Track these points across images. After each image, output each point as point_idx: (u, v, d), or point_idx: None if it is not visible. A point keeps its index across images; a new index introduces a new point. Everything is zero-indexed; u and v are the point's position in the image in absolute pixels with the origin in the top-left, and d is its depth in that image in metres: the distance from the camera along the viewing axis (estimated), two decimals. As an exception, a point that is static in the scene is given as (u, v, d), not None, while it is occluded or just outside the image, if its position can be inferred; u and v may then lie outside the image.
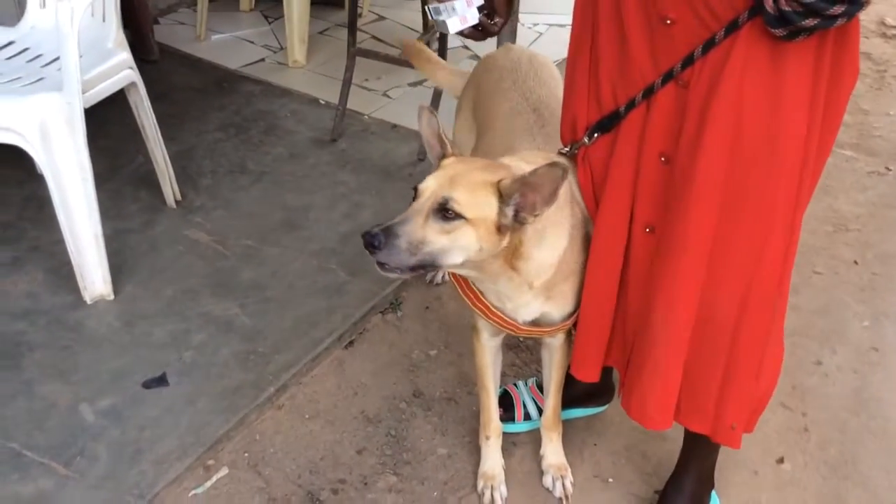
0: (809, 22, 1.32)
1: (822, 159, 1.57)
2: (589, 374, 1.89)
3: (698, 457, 1.97)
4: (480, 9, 1.77)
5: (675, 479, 2.02)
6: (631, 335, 1.78)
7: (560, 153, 1.80)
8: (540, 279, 1.75)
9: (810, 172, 1.55)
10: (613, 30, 1.59)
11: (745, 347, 1.67)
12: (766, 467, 2.21)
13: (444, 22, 1.75)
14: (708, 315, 1.65)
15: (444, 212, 1.57)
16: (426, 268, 1.63)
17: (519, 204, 1.60)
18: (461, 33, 1.79)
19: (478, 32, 1.80)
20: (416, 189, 1.63)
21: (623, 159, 1.66)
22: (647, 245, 1.68)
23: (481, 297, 1.84)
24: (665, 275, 1.64)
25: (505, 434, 2.17)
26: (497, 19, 1.79)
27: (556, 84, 2.18)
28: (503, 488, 2.09)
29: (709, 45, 1.46)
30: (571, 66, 1.73)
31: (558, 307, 1.83)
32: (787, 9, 1.31)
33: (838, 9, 1.30)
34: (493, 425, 2.10)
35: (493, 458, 2.12)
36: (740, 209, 1.55)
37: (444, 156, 1.71)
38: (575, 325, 1.89)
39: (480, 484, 2.10)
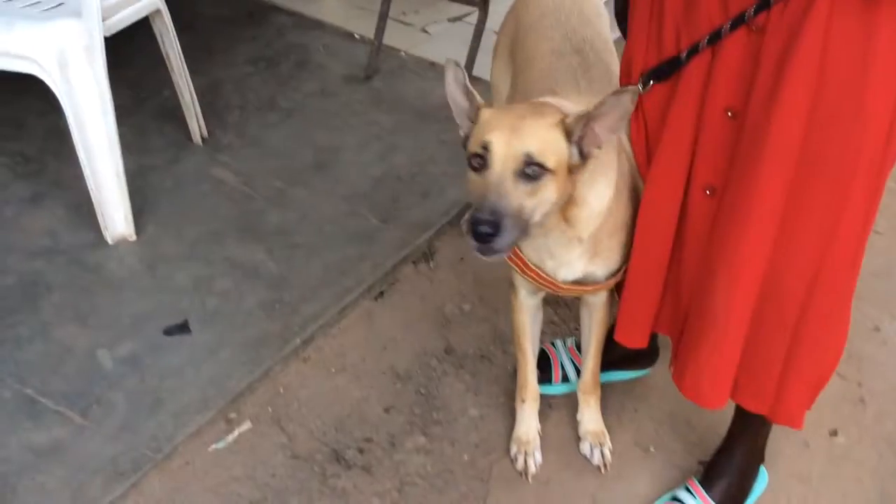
0: None
1: None
2: (636, 341, 1.78)
3: (750, 430, 1.84)
4: None
5: (724, 450, 1.90)
6: (685, 303, 1.65)
7: None
8: (589, 230, 1.62)
9: None
10: None
11: (813, 325, 1.53)
12: (818, 439, 2.08)
13: None
14: (774, 288, 1.51)
15: (529, 169, 1.45)
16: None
17: (581, 139, 1.49)
18: None
19: None
20: (477, 155, 1.48)
21: (683, 112, 1.50)
22: (707, 208, 1.54)
23: (519, 252, 1.71)
24: (728, 243, 1.49)
25: (540, 396, 2.06)
26: None
27: (603, 22, 2.01)
28: (538, 454, 1.99)
29: None
30: (633, 2, 1.56)
31: (604, 264, 1.70)
32: None
33: None
34: (530, 388, 1.99)
35: (528, 423, 2.00)
36: (817, 173, 1.40)
37: (477, 109, 1.55)
38: (619, 287, 1.76)
39: (514, 449, 2.00)
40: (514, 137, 1.46)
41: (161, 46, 2.62)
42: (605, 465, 1.98)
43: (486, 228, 1.41)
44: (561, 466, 1.99)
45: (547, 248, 1.66)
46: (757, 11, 1.35)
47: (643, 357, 2.12)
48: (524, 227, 1.47)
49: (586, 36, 1.91)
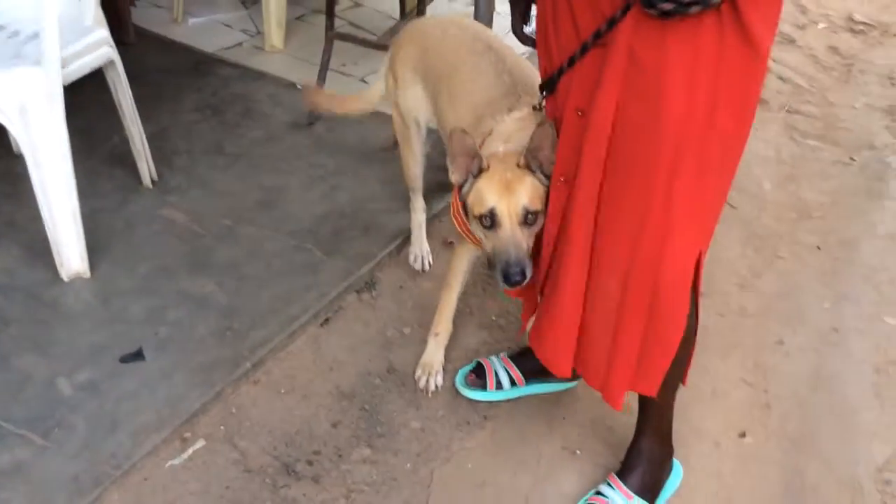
0: (666, 6, 1.44)
1: (727, 145, 1.61)
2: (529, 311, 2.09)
3: (651, 418, 2.05)
4: None
5: (634, 443, 2.09)
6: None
7: (533, 109, 1.95)
8: None
9: (714, 160, 1.60)
10: None
11: (630, 313, 1.76)
12: (728, 440, 2.28)
13: None
14: (598, 272, 1.77)
15: (528, 218, 1.89)
16: None
17: (539, 166, 1.89)
18: None
19: None
20: (487, 216, 1.90)
21: (557, 116, 1.79)
22: (563, 195, 1.80)
23: (469, 227, 2.04)
24: (564, 225, 1.78)
25: (475, 403, 2.28)
26: None
27: (492, 32, 2.46)
28: (439, 377, 2.34)
29: (612, 22, 1.56)
30: (537, 20, 1.81)
31: None
32: None
33: None
34: (444, 325, 2.36)
35: (434, 352, 2.36)
36: (621, 170, 1.66)
37: (481, 170, 1.91)
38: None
39: (419, 372, 2.35)
40: (511, 198, 1.87)
41: (114, 95, 2.76)
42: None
43: (518, 277, 1.87)
44: (496, 470, 2.15)
45: None
46: (595, 39, 1.61)
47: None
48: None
49: (489, 36, 2.33)
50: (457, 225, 2.09)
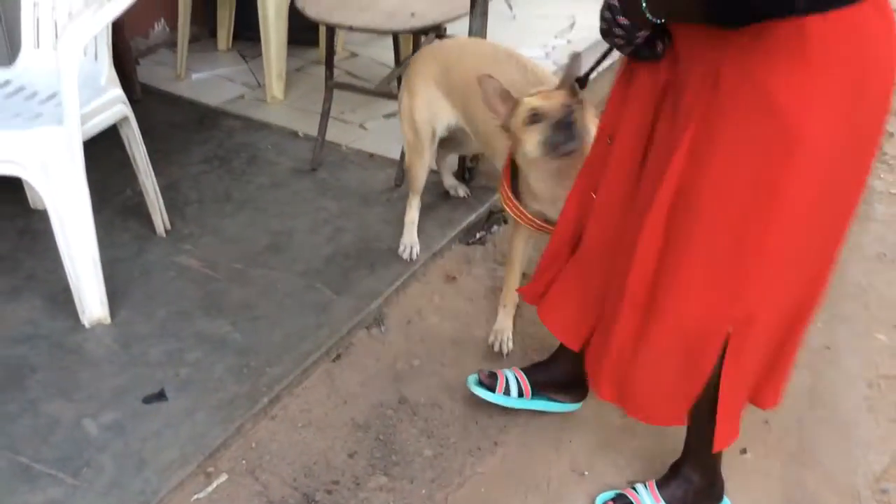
0: (617, 40, 1.63)
1: (742, 218, 1.65)
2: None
3: (688, 441, 2.11)
4: None
5: (677, 460, 2.16)
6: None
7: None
8: None
9: (718, 231, 1.68)
10: None
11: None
12: (730, 458, 2.33)
13: None
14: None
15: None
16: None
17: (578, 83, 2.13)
18: None
19: None
20: (532, 115, 2.16)
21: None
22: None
23: (525, 212, 2.40)
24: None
25: (486, 430, 2.37)
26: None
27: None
28: (510, 342, 2.66)
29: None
30: None
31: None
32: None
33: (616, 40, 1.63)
34: (511, 298, 2.64)
35: (504, 321, 2.67)
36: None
37: (516, 102, 2.20)
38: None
39: (492, 338, 2.67)
40: (551, 100, 2.16)
41: (128, 150, 2.89)
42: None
43: (568, 130, 2.11)
44: (508, 494, 2.24)
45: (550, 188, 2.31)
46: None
47: (575, 387, 2.40)
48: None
49: (506, 48, 2.59)
50: (509, 209, 2.42)
